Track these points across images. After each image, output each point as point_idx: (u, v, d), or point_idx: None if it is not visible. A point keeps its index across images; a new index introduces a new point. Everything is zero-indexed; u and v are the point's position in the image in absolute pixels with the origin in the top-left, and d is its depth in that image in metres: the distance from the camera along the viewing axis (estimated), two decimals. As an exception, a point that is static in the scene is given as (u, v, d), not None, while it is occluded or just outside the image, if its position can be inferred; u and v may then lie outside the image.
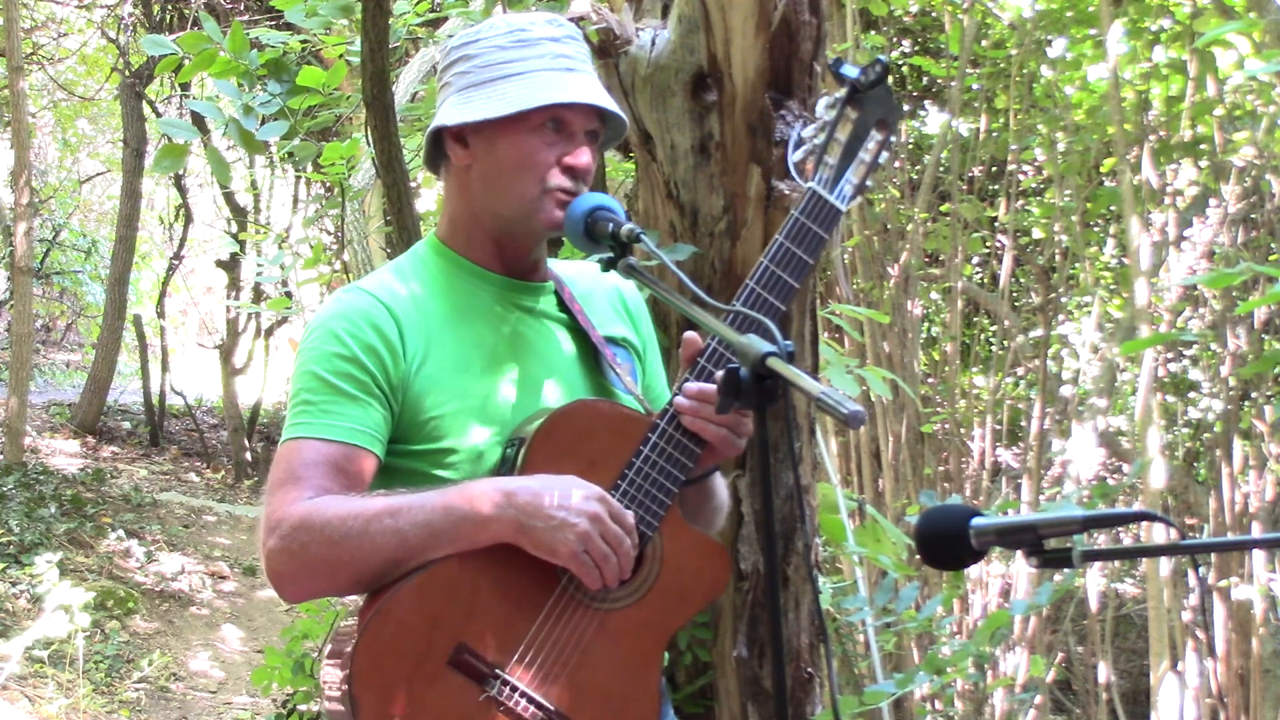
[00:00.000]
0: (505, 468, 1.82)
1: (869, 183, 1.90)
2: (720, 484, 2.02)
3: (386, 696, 1.70)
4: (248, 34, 3.67)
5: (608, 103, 1.90)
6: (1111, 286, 7.69)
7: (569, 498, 1.72)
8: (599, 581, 1.75)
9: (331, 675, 1.77)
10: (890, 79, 1.89)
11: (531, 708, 1.75)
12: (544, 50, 1.88)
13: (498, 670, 1.74)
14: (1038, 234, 7.82)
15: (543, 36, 1.89)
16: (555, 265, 2.05)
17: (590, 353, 1.97)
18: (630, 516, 1.76)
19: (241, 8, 10.23)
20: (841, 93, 1.87)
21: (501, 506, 1.72)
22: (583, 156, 1.88)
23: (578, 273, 2.05)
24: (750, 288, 1.82)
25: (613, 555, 1.73)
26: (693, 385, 1.80)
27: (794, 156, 1.89)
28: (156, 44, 3.68)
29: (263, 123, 3.60)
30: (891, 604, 3.21)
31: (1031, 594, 5.82)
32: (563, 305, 1.98)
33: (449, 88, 1.93)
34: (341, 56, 3.77)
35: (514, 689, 1.74)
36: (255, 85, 3.69)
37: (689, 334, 1.84)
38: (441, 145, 1.95)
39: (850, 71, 1.86)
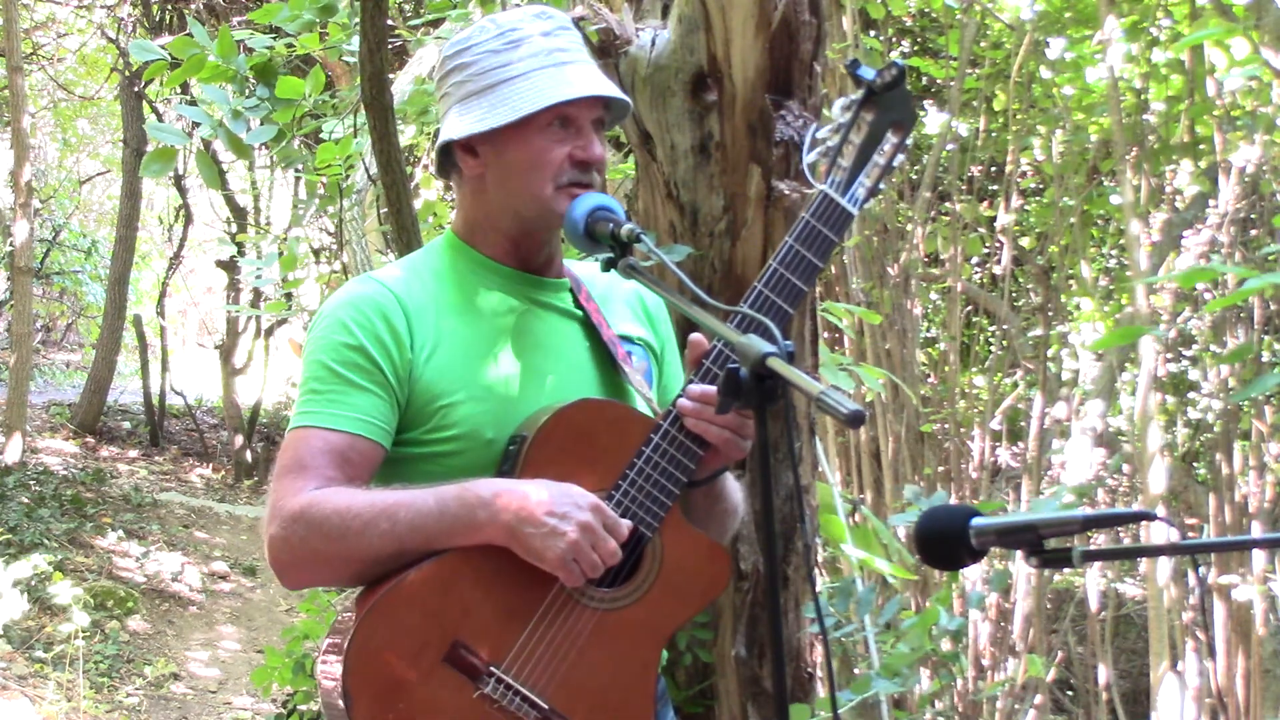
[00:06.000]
0: (507, 464, 1.82)
1: (882, 185, 1.88)
2: (732, 486, 2.00)
3: (381, 691, 1.71)
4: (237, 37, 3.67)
5: (610, 89, 1.90)
6: (1110, 289, 7.69)
7: (562, 505, 1.72)
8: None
9: (327, 669, 1.77)
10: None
11: (525, 706, 1.75)
12: (537, 47, 1.87)
13: (493, 668, 1.75)
14: (1036, 234, 7.81)
15: (533, 33, 1.88)
16: (574, 266, 2.05)
17: (602, 350, 1.97)
18: (625, 527, 1.76)
19: (242, 4, 10.21)
20: (858, 94, 1.86)
21: (494, 510, 1.72)
22: (594, 148, 1.89)
23: (596, 274, 2.04)
24: (759, 290, 1.81)
25: (602, 565, 1.73)
26: (696, 387, 1.79)
27: (808, 158, 1.87)
28: (144, 49, 3.68)
29: (261, 123, 3.60)
30: (852, 611, 3.12)
31: (1029, 593, 5.82)
32: (577, 303, 1.98)
33: (449, 98, 1.93)
34: (341, 57, 3.78)
35: (508, 687, 1.75)
36: (245, 89, 3.70)
37: (694, 335, 1.84)
38: (452, 156, 1.94)
39: (867, 73, 1.85)
